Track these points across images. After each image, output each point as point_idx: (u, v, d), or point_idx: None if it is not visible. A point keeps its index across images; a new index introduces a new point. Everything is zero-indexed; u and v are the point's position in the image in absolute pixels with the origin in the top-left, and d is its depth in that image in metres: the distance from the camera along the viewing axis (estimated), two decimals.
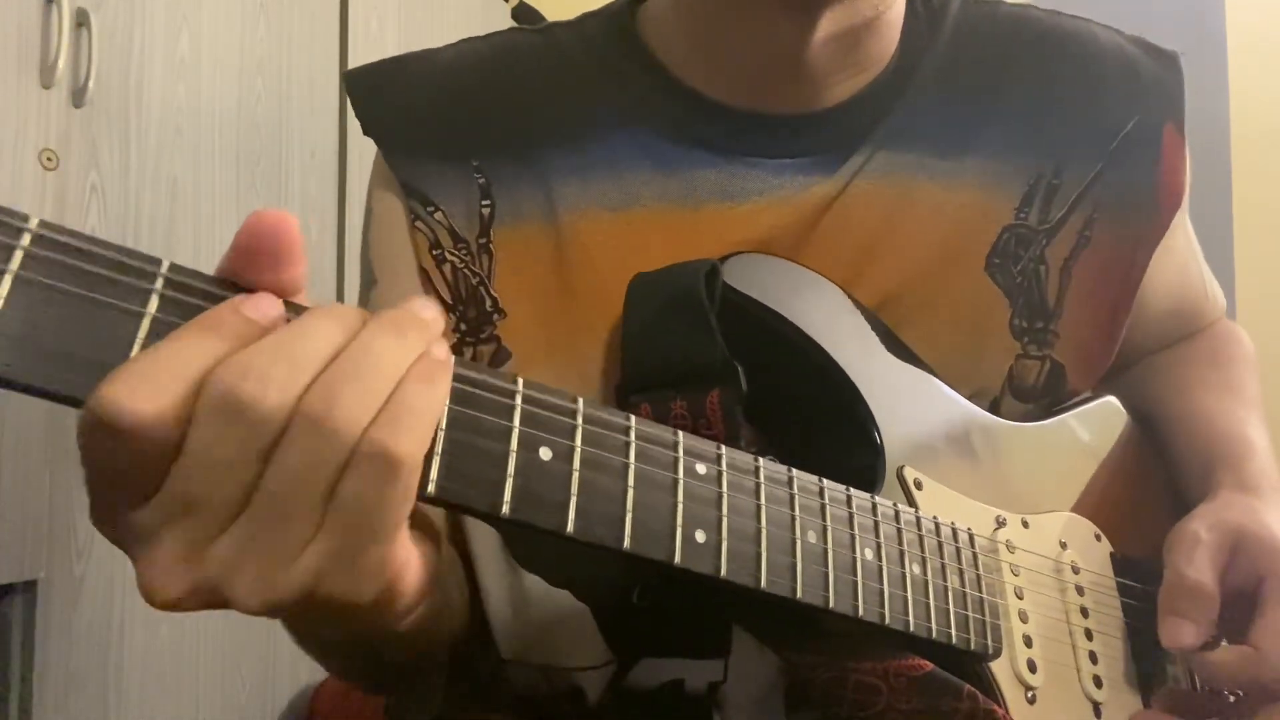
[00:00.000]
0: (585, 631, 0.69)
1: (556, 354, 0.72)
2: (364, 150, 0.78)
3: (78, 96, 1.22)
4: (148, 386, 0.37)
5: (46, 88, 1.19)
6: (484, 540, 0.72)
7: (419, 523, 0.47)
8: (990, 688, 0.63)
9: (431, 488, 0.42)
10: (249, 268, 0.41)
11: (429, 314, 0.43)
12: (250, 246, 0.41)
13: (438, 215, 0.74)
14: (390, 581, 0.42)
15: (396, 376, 0.40)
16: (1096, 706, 0.69)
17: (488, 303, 0.73)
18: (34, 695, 1.19)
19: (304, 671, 1.47)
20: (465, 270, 0.74)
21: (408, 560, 0.43)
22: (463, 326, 0.74)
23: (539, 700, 0.72)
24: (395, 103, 0.78)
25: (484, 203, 0.74)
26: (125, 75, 1.29)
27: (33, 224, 0.37)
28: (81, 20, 1.21)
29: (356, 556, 0.40)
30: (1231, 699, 0.68)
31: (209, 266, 0.42)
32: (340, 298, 1.63)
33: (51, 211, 1.20)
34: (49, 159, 1.20)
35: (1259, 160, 2.01)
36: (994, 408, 0.75)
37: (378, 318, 0.42)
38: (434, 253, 0.74)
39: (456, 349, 0.73)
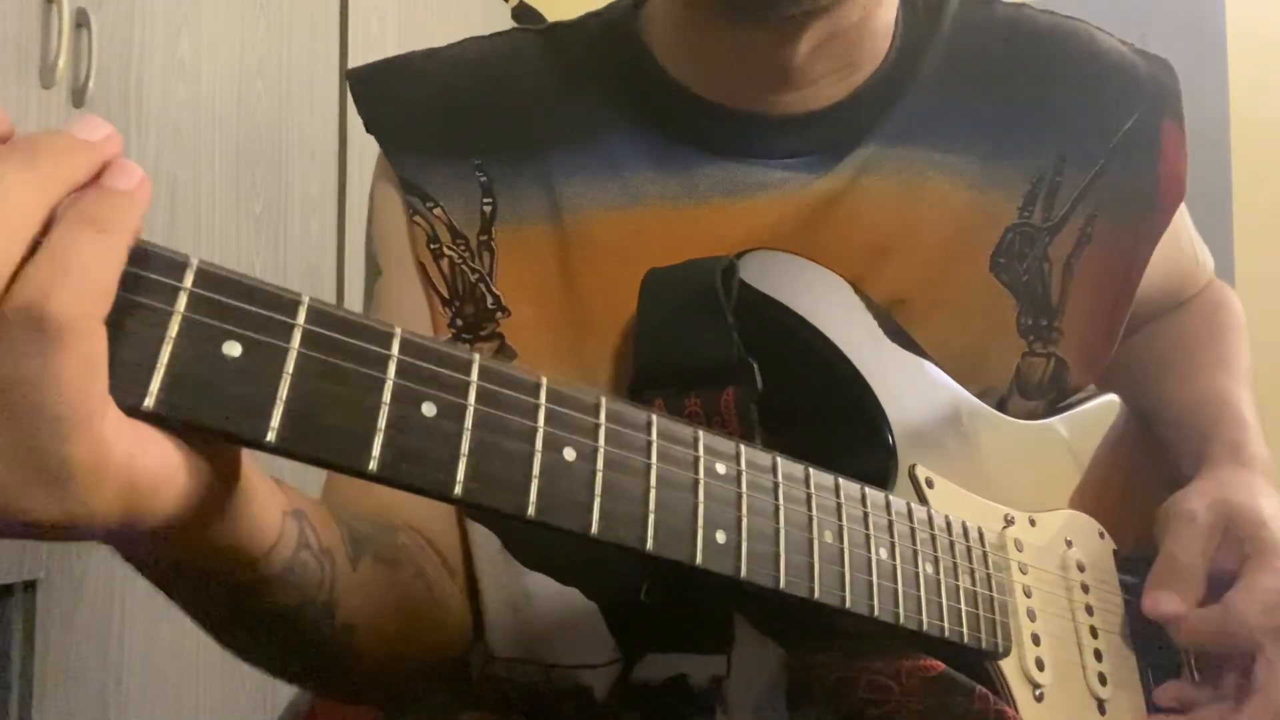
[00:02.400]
0: (592, 629, 0.69)
1: (562, 354, 0.72)
2: (364, 150, 0.78)
3: (78, 96, 1.22)
4: None
5: (46, 88, 1.18)
6: (482, 539, 0.72)
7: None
8: (999, 686, 0.64)
9: (458, 489, 0.41)
10: None
11: (94, 131, 0.36)
12: None
13: (437, 211, 0.74)
14: (119, 484, 0.35)
15: (33, 220, 0.33)
16: (1101, 704, 0.69)
17: (489, 300, 0.73)
18: (34, 695, 1.18)
19: None
20: (463, 266, 0.74)
21: (135, 452, 0.36)
22: (459, 322, 0.74)
23: (539, 699, 0.72)
24: (397, 101, 0.78)
25: (485, 200, 0.74)
26: (125, 75, 1.29)
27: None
28: (81, 20, 1.21)
29: (34, 453, 0.33)
30: (1229, 681, 0.69)
31: None
32: (340, 297, 1.63)
33: None
34: None
35: (1259, 160, 2.01)
36: (1001, 406, 0.75)
37: (9, 146, 0.34)
38: (431, 246, 0.74)
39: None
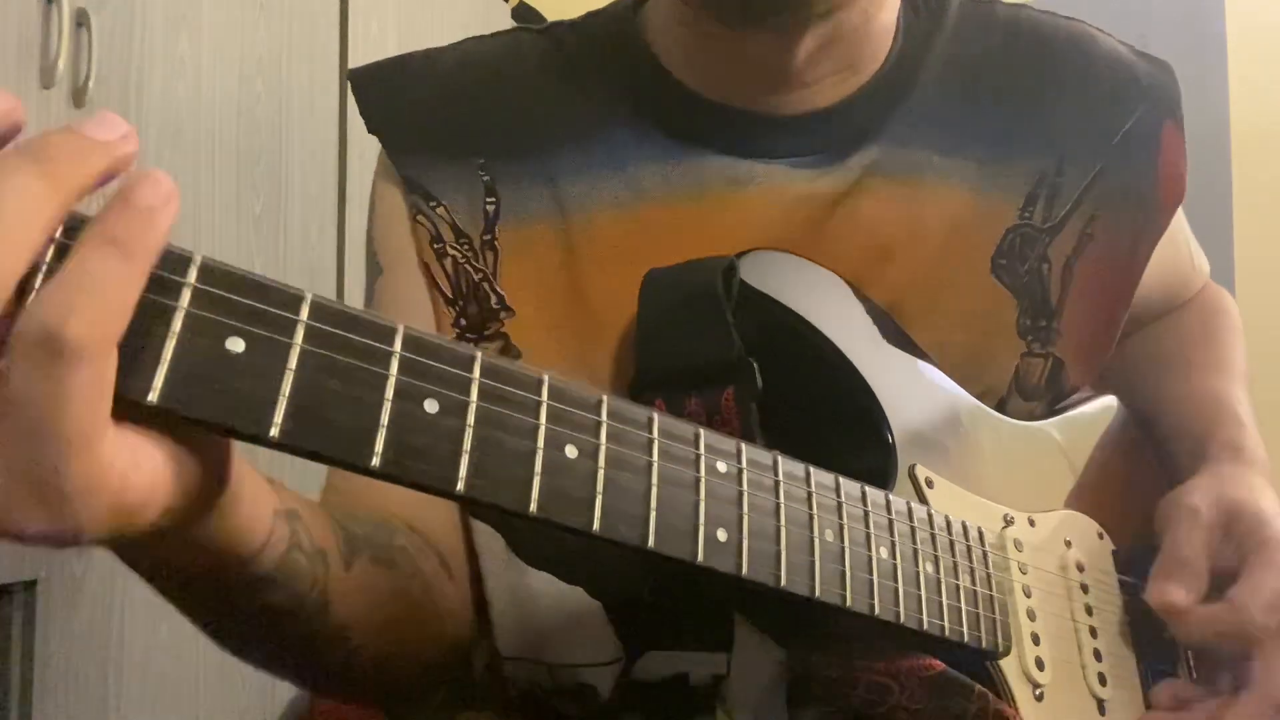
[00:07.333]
0: (596, 628, 0.70)
1: (568, 355, 0.72)
2: (364, 150, 0.78)
3: (78, 96, 1.21)
4: None
5: (46, 88, 1.18)
6: (486, 540, 0.72)
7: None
8: (999, 685, 0.64)
9: (461, 486, 0.41)
10: None
11: (109, 132, 0.35)
12: None
13: (440, 210, 0.75)
14: (112, 501, 0.35)
15: (43, 231, 0.32)
16: (1101, 704, 0.69)
17: (493, 299, 0.73)
18: (34, 695, 1.18)
19: None
20: (467, 266, 0.74)
21: (129, 470, 0.36)
22: (463, 322, 0.74)
23: (541, 698, 0.72)
24: (399, 101, 0.78)
25: (488, 200, 0.74)
26: (125, 75, 1.29)
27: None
28: (81, 20, 1.21)
29: (34, 470, 0.33)
30: (1225, 679, 0.69)
31: None
32: (340, 298, 1.62)
33: None
34: None
35: (1259, 160, 2.02)
36: (1001, 407, 0.75)
37: (18, 148, 0.33)
38: (434, 246, 0.74)
39: None
